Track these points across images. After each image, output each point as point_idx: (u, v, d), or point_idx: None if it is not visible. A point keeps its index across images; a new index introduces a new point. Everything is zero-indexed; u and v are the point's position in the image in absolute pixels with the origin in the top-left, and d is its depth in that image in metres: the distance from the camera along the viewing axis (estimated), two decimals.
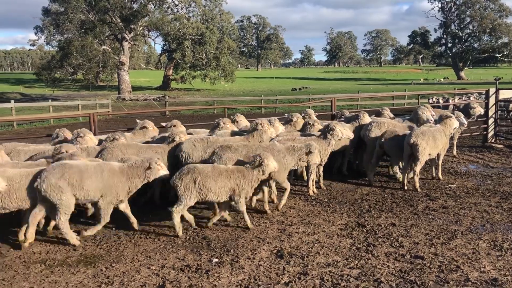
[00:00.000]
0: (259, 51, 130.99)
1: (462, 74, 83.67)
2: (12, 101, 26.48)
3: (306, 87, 69.48)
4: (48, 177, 6.16)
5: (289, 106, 30.30)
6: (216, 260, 5.83)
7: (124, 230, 7.10)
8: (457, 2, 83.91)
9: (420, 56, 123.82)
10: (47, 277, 5.55)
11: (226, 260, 5.83)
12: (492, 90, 13.66)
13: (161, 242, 6.60)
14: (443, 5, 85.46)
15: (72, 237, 6.51)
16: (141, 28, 56.06)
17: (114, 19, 51.64)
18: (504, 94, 13.71)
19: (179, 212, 6.64)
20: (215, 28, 61.37)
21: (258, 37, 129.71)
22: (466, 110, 12.13)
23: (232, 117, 10.13)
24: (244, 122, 10.06)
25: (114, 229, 7.16)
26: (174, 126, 9.22)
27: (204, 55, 59.67)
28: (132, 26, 53.28)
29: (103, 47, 53.51)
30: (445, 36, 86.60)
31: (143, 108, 38.09)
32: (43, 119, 24.34)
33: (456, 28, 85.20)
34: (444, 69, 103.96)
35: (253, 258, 5.84)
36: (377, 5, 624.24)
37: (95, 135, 9.10)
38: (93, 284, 5.32)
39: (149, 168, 6.61)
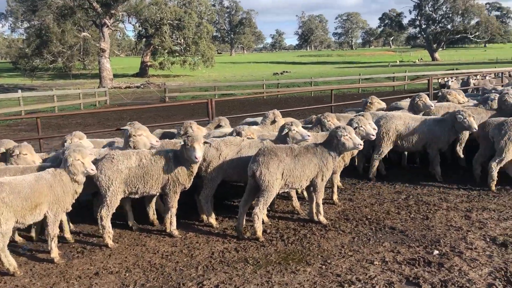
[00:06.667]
0: (232, 35, 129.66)
1: (436, 55, 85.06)
2: (20, 90, 25.00)
3: (287, 71, 68.97)
4: None
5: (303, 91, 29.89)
6: (436, 252, 5.49)
7: (292, 222, 6.68)
8: None
9: (391, 39, 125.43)
10: (269, 278, 5.08)
11: (447, 251, 5.50)
12: None
13: (346, 234, 6.20)
14: None
15: None
16: (121, 14, 54.19)
17: (93, 4, 49.51)
18: None
19: None
20: (194, 12, 59.99)
21: (231, 21, 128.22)
22: None
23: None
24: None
25: (277, 221, 6.73)
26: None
27: (182, 40, 58.41)
28: (112, 12, 51.32)
29: (83, 33, 51.44)
30: (419, 18, 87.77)
31: (141, 94, 36.95)
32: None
33: (430, 9, 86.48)
34: (416, 50, 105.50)
35: (475, 248, 5.53)
36: None
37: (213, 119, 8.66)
38: (329, 283, 4.90)
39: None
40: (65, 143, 6.92)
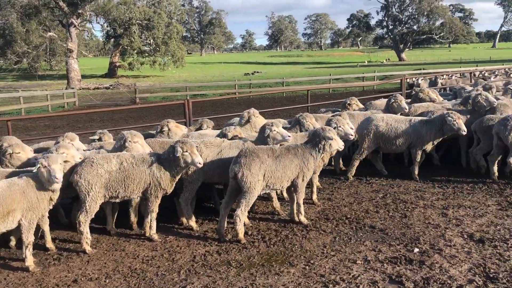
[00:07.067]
0: (202, 35, 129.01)
1: (403, 55, 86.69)
2: None
3: (258, 72, 68.96)
4: None
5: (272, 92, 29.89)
6: (417, 250, 5.57)
7: (273, 223, 6.67)
8: None
9: (359, 39, 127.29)
10: (253, 280, 5.05)
11: (427, 248, 5.59)
12: None
13: (328, 234, 6.22)
14: None
15: None
16: (88, 13, 53.13)
17: (59, 3, 48.27)
18: None
19: None
20: (163, 12, 59.46)
21: (200, 21, 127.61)
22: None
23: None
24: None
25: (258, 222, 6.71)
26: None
27: (152, 40, 57.87)
28: (79, 11, 50.22)
29: (50, 33, 50.18)
30: (386, 19, 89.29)
31: (110, 95, 36.29)
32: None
33: (397, 10, 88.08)
34: (384, 51, 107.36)
35: (454, 245, 5.64)
36: None
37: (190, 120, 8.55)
38: (313, 284, 4.91)
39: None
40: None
